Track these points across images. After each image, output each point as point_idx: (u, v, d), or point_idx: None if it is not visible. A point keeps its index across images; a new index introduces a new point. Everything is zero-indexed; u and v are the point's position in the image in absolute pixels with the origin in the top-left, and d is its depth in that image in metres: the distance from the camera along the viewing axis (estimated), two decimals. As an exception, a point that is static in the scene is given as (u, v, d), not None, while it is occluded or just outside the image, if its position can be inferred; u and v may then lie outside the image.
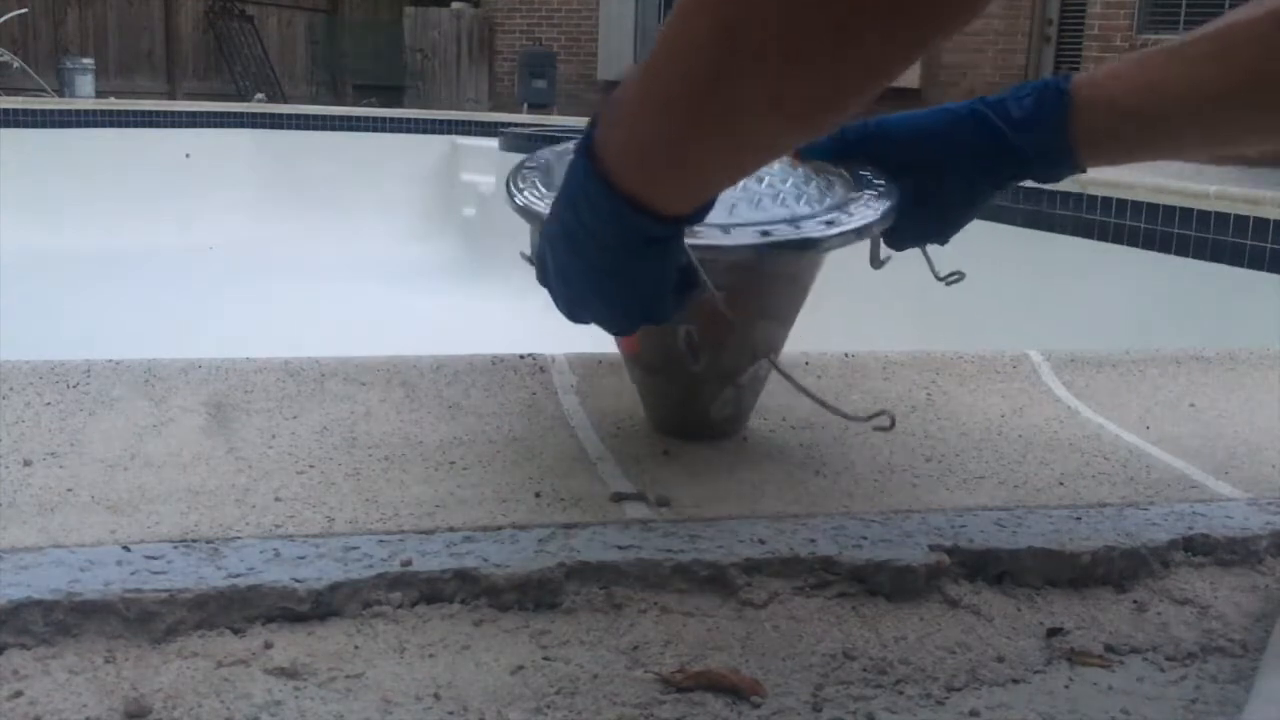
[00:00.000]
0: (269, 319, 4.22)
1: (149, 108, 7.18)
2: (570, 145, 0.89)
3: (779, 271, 0.83)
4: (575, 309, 0.71)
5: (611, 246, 0.63)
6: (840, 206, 0.82)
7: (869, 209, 0.81)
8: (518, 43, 10.72)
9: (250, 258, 5.96)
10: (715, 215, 0.82)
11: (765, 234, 0.77)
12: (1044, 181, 0.82)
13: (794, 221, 0.79)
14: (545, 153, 0.91)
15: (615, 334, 0.76)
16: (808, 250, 0.79)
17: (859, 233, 0.79)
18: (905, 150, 0.84)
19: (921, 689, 0.60)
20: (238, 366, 0.93)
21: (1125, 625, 0.68)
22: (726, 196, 0.85)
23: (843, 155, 0.86)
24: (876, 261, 0.88)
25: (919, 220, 0.85)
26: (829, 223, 0.79)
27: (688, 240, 0.74)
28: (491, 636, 0.62)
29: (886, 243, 0.87)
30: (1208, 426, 1.01)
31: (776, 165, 0.91)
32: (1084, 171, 0.81)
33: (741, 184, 0.87)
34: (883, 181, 0.85)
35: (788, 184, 0.88)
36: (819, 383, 1.03)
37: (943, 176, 0.83)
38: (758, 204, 0.85)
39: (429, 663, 0.60)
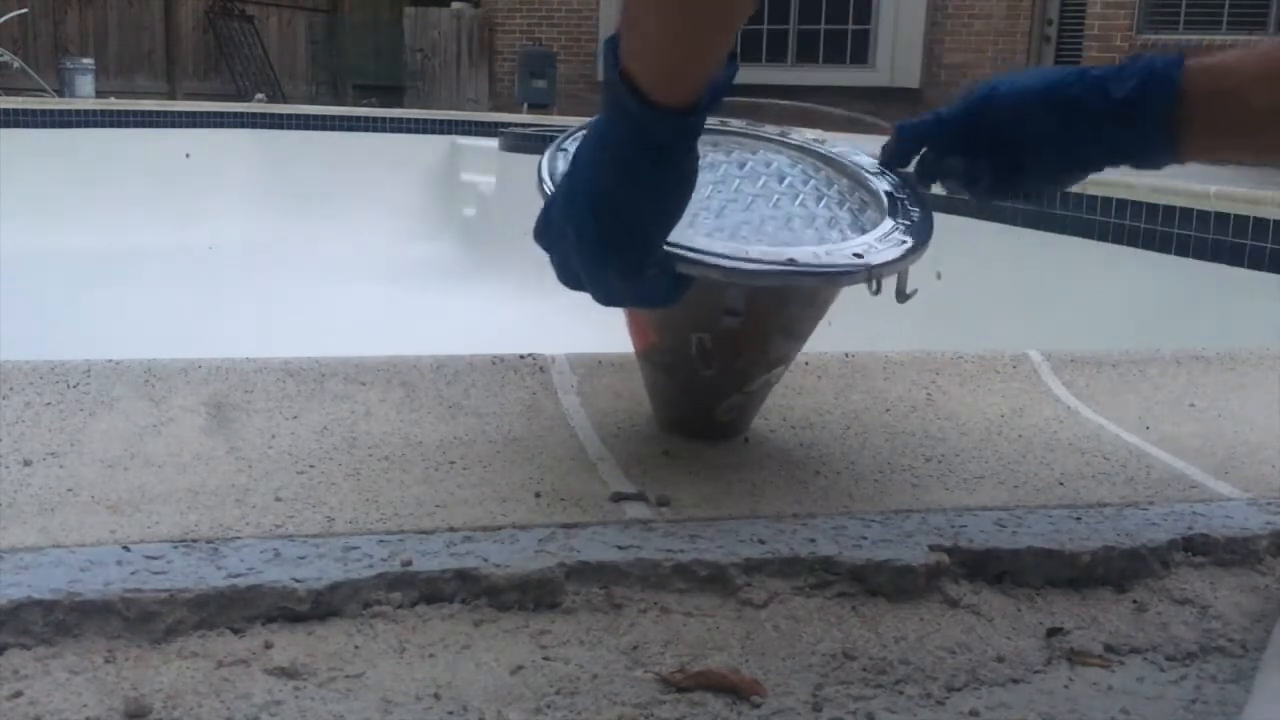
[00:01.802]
0: (269, 319, 4.22)
1: (149, 108, 7.18)
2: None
3: (800, 292, 0.82)
4: (569, 256, 0.73)
5: (623, 150, 0.68)
6: (871, 233, 0.81)
7: (898, 243, 0.80)
8: (518, 43, 10.72)
9: (250, 258, 5.96)
10: (740, 228, 0.82)
11: (790, 261, 0.76)
12: (1141, 169, 0.78)
13: (823, 249, 0.78)
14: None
15: (604, 300, 0.74)
16: (831, 280, 0.78)
17: (888, 266, 0.78)
18: (1002, 127, 0.79)
19: (921, 689, 0.60)
20: (238, 366, 0.93)
21: (1125, 625, 0.68)
22: (745, 193, 0.85)
23: (941, 135, 0.82)
24: (902, 296, 0.85)
25: (999, 184, 0.82)
26: (858, 254, 0.78)
27: (717, 261, 0.74)
28: (491, 636, 0.62)
29: (960, 188, 0.84)
30: (1208, 426, 1.01)
31: (800, 165, 0.91)
32: (1183, 163, 0.76)
33: (761, 181, 0.88)
34: (918, 209, 0.83)
35: (808, 185, 0.88)
36: (819, 383, 1.03)
37: (1031, 156, 0.79)
38: (775, 203, 0.84)
39: (429, 663, 0.60)
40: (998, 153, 0.80)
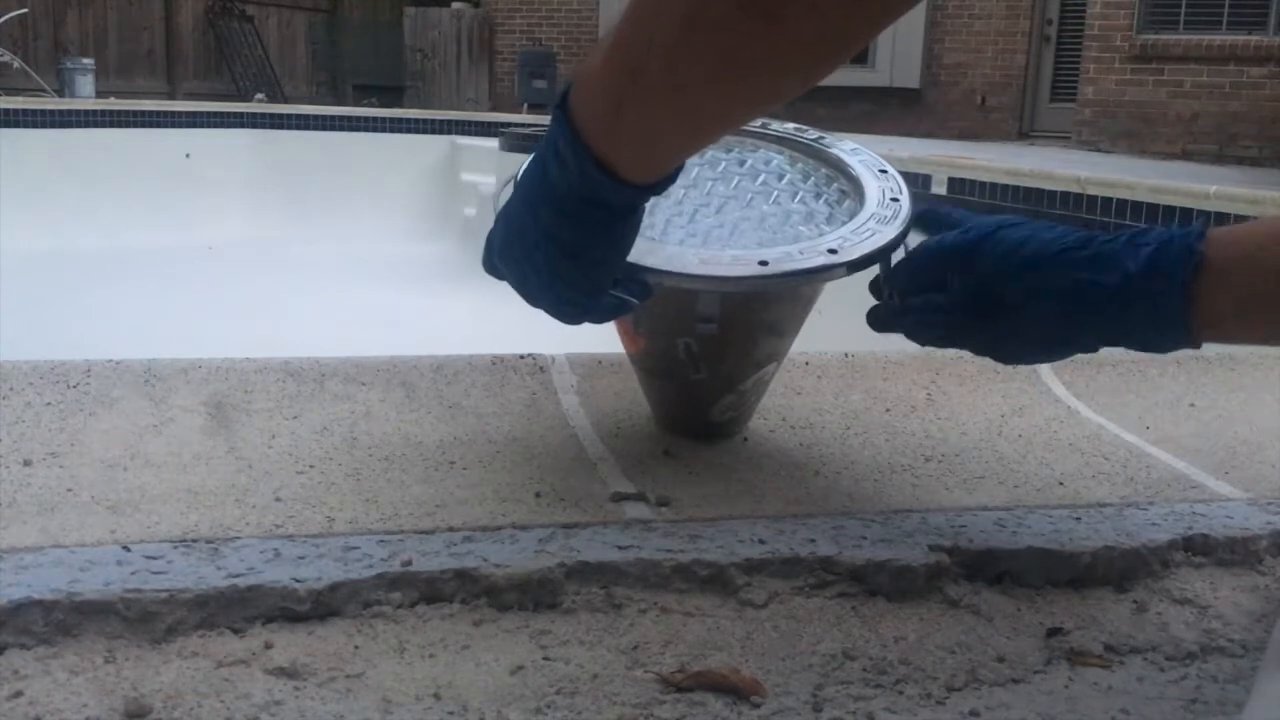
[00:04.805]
0: (269, 319, 4.22)
1: (149, 108, 7.18)
2: None
3: (779, 292, 0.82)
4: (522, 288, 0.72)
5: (567, 210, 0.64)
6: (847, 226, 0.80)
7: (877, 233, 0.79)
8: (518, 43, 10.72)
9: (250, 258, 5.96)
10: (712, 232, 0.81)
11: (763, 264, 0.75)
12: (1146, 350, 0.69)
13: (796, 248, 0.77)
14: None
15: (561, 318, 0.74)
16: (806, 280, 0.77)
17: (861, 261, 0.77)
18: (997, 276, 0.71)
19: (921, 689, 0.60)
20: (238, 366, 0.93)
21: (1125, 625, 0.68)
22: (717, 195, 0.85)
23: (933, 268, 0.75)
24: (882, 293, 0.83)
25: (976, 336, 0.75)
26: (833, 250, 0.77)
27: (690, 270, 0.74)
28: (491, 636, 0.62)
29: (915, 338, 0.78)
30: (1208, 426, 1.01)
31: (776, 159, 0.90)
32: (1197, 346, 0.67)
33: (735, 181, 0.87)
34: (896, 198, 0.82)
35: (783, 180, 0.87)
36: (819, 383, 1.03)
37: (1026, 312, 0.70)
38: (766, 229, 0.83)
39: (429, 663, 0.60)
40: (980, 298, 0.72)
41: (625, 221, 0.67)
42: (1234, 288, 0.64)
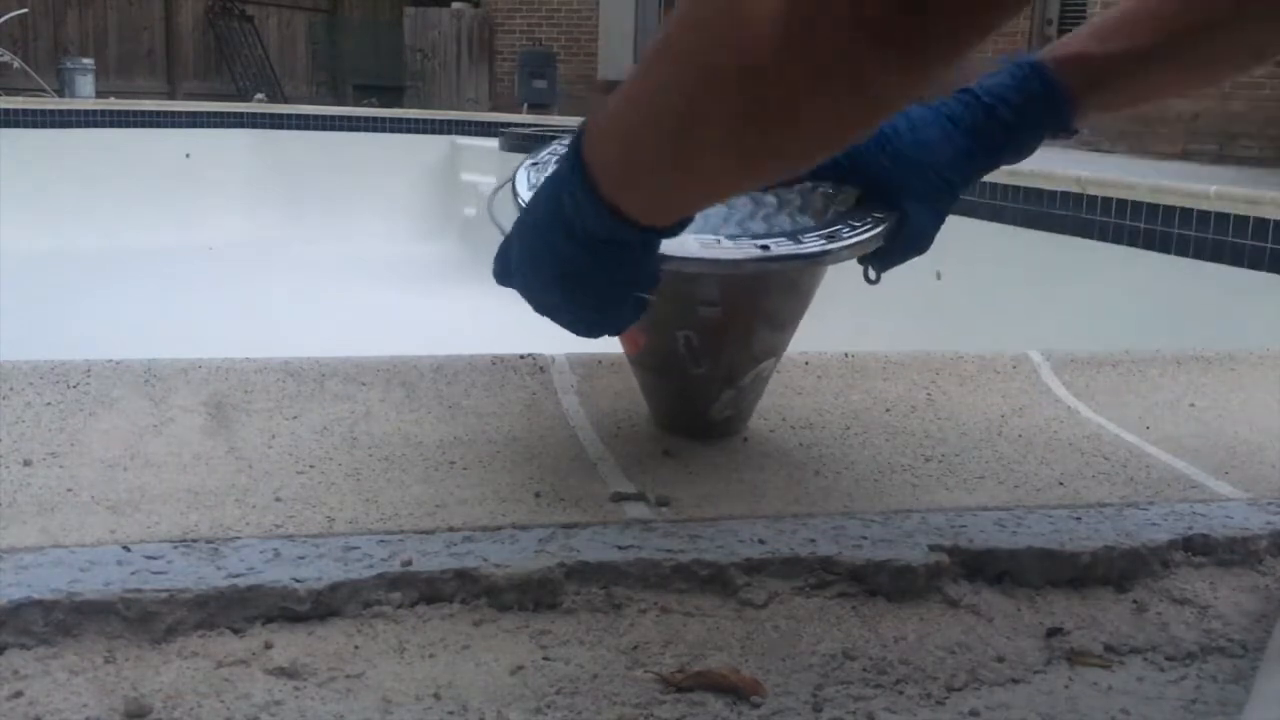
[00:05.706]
0: (269, 319, 4.23)
1: (149, 108, 7.19)
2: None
3: (778, 281, 0.83)
4: (538, 305, 0.72)
5: (584, 244, 0.64)
6: (842, 219, 0.81)
7: (869, 223, 0.80)
8: (518, 43, 10.72)
9: (250, 258, 5.96)
10: (718, 225, 0.82)
11: (764, 249, 0.76)
12: (1040, 137, 0.82)
13: (795, 234, 0.79)
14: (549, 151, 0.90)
15: (578, 334, 0.75)
16: (806, 264, 0.78)
17: (858, 246, 0.78)
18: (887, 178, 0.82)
19: (921, 689, 0.60)
20: (238, 366, 0.93)
21: (1125, 625, 0.68)
22: (734, 206, 0.86)
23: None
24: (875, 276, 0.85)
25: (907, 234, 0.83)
26: (829, 237, 0.78)
27: (690, 253, 0.74)
28: (491, 636, 0.63)
29: (875, 266, 0.85)
30: (1208, 426, 1.01)
31: None
32: (1075, 132, 0.81)
33: (749, 196, 0.88)
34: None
35: (794, 196, 0.88)
36: (819, 383, 1.03)
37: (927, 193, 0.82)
38: (764, 217, 0.85)
39: (429, 663, 0.60)
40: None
41: (643, 252, 0.67)
42: (1099, 94, 0.80)
